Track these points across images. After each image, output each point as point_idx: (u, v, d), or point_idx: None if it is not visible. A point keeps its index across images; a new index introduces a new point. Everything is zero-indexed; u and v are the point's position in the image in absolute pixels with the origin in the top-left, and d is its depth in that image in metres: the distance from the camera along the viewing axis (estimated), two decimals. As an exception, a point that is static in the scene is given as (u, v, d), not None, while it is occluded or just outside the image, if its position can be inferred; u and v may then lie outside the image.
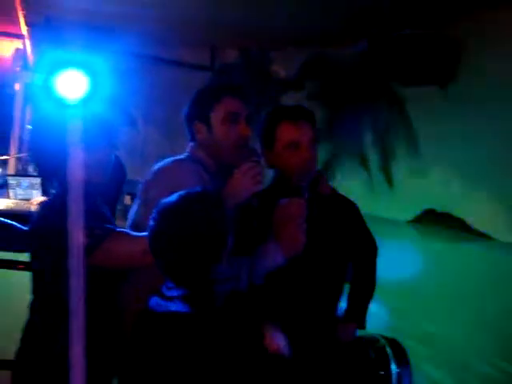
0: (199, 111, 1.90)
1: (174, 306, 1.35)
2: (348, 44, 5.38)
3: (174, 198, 1.39)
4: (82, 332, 1.33)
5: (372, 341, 2.51)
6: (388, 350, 2.48)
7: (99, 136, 1.68)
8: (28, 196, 3.88)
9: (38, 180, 3.96)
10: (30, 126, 4.94)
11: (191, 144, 1.96)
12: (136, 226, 1.77)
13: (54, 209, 1.54)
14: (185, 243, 1.34)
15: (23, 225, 2.08)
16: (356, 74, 5.35)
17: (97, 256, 1.51)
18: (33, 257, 1.63)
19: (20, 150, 4.83)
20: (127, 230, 1.71)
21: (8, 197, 3.87)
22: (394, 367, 2.42)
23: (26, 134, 4.93)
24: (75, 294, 1.25)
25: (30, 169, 4.59)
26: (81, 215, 1.47)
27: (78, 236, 1.47)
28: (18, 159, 4.68)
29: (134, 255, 1.57)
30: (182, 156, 1.94)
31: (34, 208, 3.52)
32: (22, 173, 4.61)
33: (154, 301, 1.36)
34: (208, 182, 1.81)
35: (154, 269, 1.47)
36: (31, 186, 3.96)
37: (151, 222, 1.37)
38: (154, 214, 1.37)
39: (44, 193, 3.91)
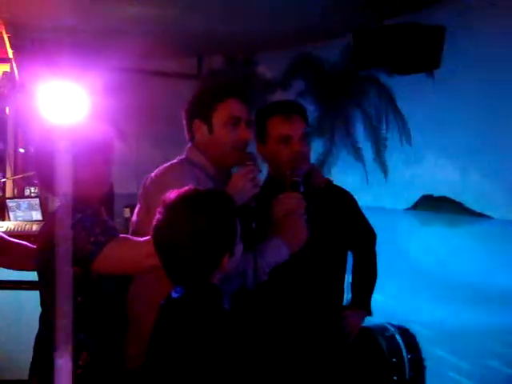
0: (201, 110, 1.87)
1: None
2: (332, 38, 5.42)
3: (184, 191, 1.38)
4: (69, 339, 1.33)
5: (381, 329, 2.53)
6: (398, 337, 2.50)
7: (95, 151, 1.71)
8: (28, 217, 3.89)
9: (37, 201, 3.97)
10: (22, 150, 4.97)
11: (189, 145, 1.96)
12: (137, 233, 1.78)
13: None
14: (197, 236, 1.31)
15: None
16: (342, 68, 5.39)
17: (101, 262, 1.53)
18: (42, 269, 1.65)
19: (16, 173, 4.84)
20: (129, 236, 1.73)
21: (8, 219, 3.89)
22: (405, 354, 2.44)
23: (20, 157, 4.96)
24: (62, 302, 1.25)
25: (28, 191, 4.59)
26: (69, 226, 1.49)
27: (66, 246, 1.47)
28: (14, 182, 4.69)
29: (137, 259, 1.58)
30: (178, 159, 1.94)
31: (35, 227, 3.54)
32: (19, 195, 4.63)
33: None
34: (207, 184, 1.80)
35: (162, 275, 1.48)
36: (31, 207, 3.96)
37: (157, 215, 1.36)
38: (160, 208, 1.37)
39: (44, 213, 3.93)
